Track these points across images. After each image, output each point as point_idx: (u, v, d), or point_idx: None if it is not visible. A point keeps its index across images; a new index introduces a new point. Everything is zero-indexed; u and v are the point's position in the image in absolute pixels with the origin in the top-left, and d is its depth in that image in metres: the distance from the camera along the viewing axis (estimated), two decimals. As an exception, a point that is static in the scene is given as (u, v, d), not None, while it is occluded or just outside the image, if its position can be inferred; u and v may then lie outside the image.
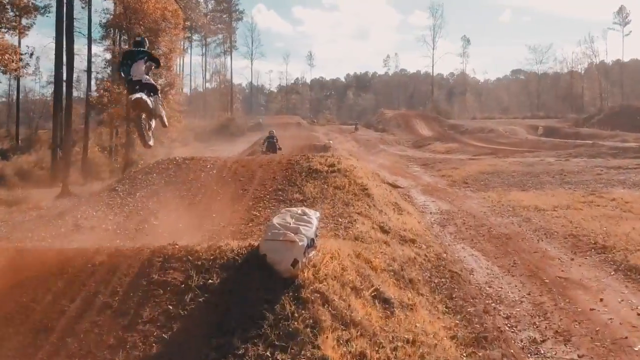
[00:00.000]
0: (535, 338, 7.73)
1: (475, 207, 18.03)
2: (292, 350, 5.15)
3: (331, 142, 37.30)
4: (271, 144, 28.08)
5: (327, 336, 5.37)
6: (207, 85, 75.70)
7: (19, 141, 47.86)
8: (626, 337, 7.54)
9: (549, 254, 11.78)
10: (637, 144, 37.82)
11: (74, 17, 36.13)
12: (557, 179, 23.53)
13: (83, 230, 11.66)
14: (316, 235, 6.87)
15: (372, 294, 6.74)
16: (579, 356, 7.20)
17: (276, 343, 5.22)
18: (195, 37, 69.61)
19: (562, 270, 10.57)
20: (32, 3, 34.60)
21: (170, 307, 5.75)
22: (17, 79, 46.29)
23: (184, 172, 14.97)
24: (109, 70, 32.02)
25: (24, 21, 37.25)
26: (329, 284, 6.24)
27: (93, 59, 36.72)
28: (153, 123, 10.07)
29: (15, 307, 5.95)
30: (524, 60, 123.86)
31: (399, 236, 11.14)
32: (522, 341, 7.67)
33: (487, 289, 9.75)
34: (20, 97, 53.73)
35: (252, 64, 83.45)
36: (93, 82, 37.59)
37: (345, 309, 5.90)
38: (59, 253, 7.05)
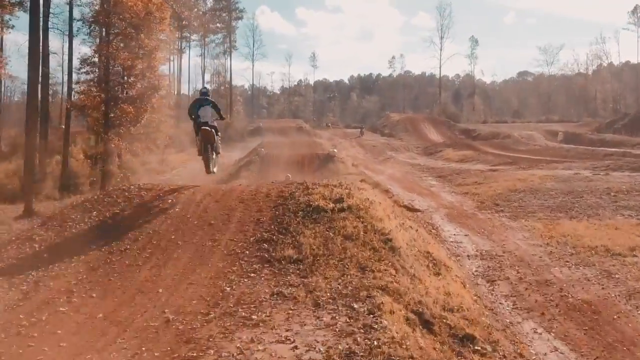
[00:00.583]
0: None
1: (524, 246, 13.74)
2: None
3: (335, 150, 33.05)
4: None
5: None
6: (207, 87, 71.33)
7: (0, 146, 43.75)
8: None
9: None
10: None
11: (52, 12, 32.16)
12: (608, 202, 19.20)
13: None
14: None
15: None
16: None
17: None
18: (194, 37, 65.52)
19: None
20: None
21: None
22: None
23: (135, 210, 10.69)
24: (95, 71, 27.59)
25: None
26: None
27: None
28: (214, 156, 12.65)
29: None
30: (533, 61, 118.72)
31: (449, 331, 6.87)
32: None
33: None
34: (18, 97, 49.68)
35: (253, 65, 79.05)
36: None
37: None
38: None
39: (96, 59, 26.31)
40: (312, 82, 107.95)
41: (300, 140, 38.84)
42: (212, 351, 5.57)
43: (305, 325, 6.22)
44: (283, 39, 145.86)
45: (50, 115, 38.67)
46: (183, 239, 9.23)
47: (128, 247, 9.04)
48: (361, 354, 5.46)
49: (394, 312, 6.69)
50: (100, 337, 6.10)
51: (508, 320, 8.81)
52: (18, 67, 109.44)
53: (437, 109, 74.11)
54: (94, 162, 35.80)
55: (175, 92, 62.28)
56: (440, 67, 79.99)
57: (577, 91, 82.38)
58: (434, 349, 6.16)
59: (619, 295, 9.68)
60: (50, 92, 44.23)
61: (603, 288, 10.15)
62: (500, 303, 9.70)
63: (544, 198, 20.73)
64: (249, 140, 54.59)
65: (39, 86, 32.46)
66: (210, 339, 5.89)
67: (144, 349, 5.77)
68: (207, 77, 72.03)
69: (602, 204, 18.86)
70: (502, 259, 12.55)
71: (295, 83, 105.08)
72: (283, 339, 5.83)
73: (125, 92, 26.30)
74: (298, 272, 7.92)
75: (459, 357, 6.25)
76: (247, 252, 8.65)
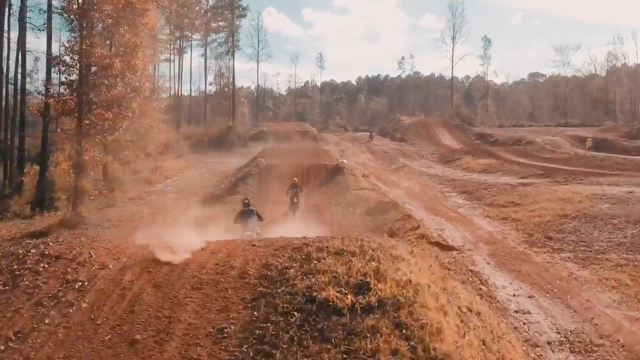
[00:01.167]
0: None
1: (622, 320, 9.32)
2: None
3: (345, 161, 28.58)
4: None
5: None
6: (210, 88, 67.16)
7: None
8: None
9: None
10: None
11: (29, 8, 28.10)
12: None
13: None
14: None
15: None
16: None
17: None
18: (196, 36, 61.25)
19: None
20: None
21: None
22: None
23: (13, 296, 6.32)
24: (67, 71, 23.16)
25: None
26: None
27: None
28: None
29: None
30: (549, 62, 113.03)
31: None
32: None
33: None
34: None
35: (258, 66, 74.62)
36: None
37: None
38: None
39: (68, 58, 22.00)
40: (319, 84, 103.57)
41: (306, 148, 34.51)
42: None
43: None
44: (290, 40, 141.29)
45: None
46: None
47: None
48: None
49: None
50: None
51: None
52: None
53: (449, 111, 69.38)
54: (78, 172, 31.64)
55: (174, 93, 58.11)
56: (452, 68, 75.27)
57: (594, 93, 77.38)
58: None
59: None
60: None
61: None
62: None
63: (607, 229, 16.26)
64: (252, 145, 50.25)
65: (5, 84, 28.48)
66: None
67: None
68: (210, 78, 67.73)
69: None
70: (604, 353, 8.11)
71: (302, 84, 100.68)
72: None
73: (101, 95, 21.95)
74: None
75: None
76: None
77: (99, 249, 7.86)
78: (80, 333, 5.57)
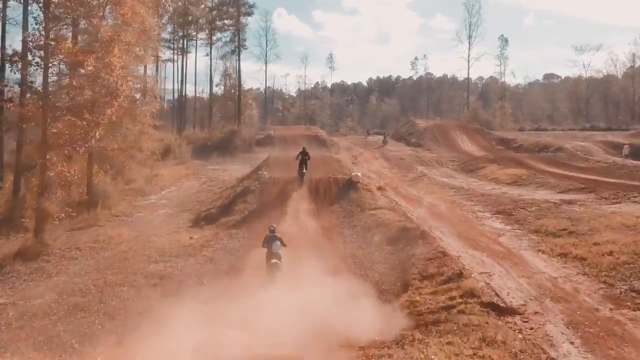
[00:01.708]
0: None
1: None
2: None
3: (359, 174, 24.26)
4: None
5: None
6: (216, 89, 63.15)
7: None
8: None
9: None
10: None
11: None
12: None
13: None
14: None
15: None
16: None
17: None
18: (201, 35, 57.21)
19: None
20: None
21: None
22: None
23: None
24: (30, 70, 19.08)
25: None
26: None
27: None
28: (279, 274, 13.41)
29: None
30: (569, 62, 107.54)
31: None
32: None
33: None
34: None
35: (266, 66, 70.50)
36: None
37: None
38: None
39: (29, 54, 17.97)
40: (329, 85, 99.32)
41: (315, 156, 30.34)
42: None
43: None
44: (300, 42, 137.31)
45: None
46: None
47: None
48: None
49: None
50: None
51: None
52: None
53: (466, 114, 64.76)
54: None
55: (177, 95, 54.20)
56: (468, 69, 70.46)
57: (616, 94, 72.43)
58: None
59: None
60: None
61: None
62: None
63: None
64: (257, 151, 46.20)
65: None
66: None
67: None
68: (217, 79, 63.74)
69: None
70: None
71: (312, 85, 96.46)
72: None
73: (70, 99, 17.91)
74: None
75: None
76: None
77: None
78: None
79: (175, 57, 54.99)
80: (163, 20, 53.74)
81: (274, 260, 13.53)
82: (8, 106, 18.63)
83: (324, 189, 23.01)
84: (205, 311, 11.43)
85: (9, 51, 20.64)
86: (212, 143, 48.15)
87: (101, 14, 18.55)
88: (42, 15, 18.06)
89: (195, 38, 56.51)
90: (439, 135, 50.07)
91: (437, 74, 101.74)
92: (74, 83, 17.68)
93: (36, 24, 19.15)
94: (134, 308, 12.95)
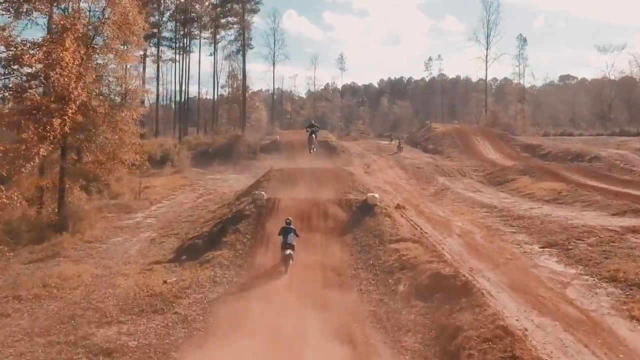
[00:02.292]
0: None
1: None
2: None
3: (376, 195, 19.58)
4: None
5: None
6: (222, 91, 58.91)
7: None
8: None
9: None
10: None
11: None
12: None
13: None
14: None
15: None
16: None
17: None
18: (205, 34, 52.92)
19: None
20: None
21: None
22: None
23: None
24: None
25: None
26: None
27: None
28: (291, 262, 14.97)
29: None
30: (591, 63, 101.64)
31: None
32: None
33: None
34: None
35: (274, 67, 66.05)
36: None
37: None
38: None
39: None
40: (339, 86, 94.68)
41: (323, 170, 25.93)
42: None
43: None
44: (310, 43, 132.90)
45: None
46: None
47: None
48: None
49: None
50: None
51: None
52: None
53: (485, 117, 59.87)
54: (34, 200, 23.51)
55: (179, 97, 49.92)
56: (486, 69, 65.41)
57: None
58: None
59: None
60: None
61: None
62: None
63: None
64: (262, 158, 41.77)
65: None
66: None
67: None
68: (222, 80, 59.37)
69: None
70: None
71: (322, 87, 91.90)
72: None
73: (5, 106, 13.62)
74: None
75: None
76: None
77: None
78: None
79: (177, 57, 50.73)
80: (164, 18, 49.65)
81: (288, 252, 14.97)
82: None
83: (334, 214, 18.50)
84: None
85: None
86: (214, 149, 43.87)
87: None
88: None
89: (198, 37, 52.23)
90: (458, 141, 45.33)
91: (449, 75, 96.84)
92: (10, 85, 13.31)
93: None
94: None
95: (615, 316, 11.16)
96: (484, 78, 67.31)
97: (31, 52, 13.50)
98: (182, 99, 53.05)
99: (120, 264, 17.38)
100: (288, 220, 16.01)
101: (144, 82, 35.54)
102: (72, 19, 15.27)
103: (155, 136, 51.15)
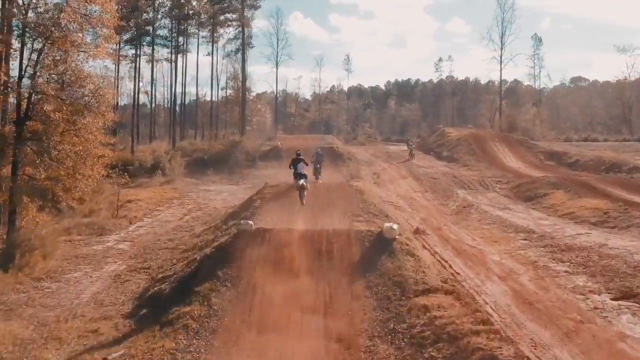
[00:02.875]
0: None
1: None
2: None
3: (395, 227, 15.06)
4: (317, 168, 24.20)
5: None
6: (222, 93, 54.73)
7: None
8: None
9: None
10: None
11: None
12: None
13: None
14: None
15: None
16: None
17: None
18: (203, 33, 48.77)
19: None
20: None
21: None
22: None
23: None
24: None
25: None
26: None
27: None
28: (304, 192, 17.31)
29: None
30: (599, 67, 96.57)
31: None
32: None
33: None
34: None
35: (277, 68, 61.76)
36: None
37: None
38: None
39: None
40: (345, 88, 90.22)
41: (327, 185, 21.66)
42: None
43: None
44: (316, 45, 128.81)
45: None
46: None
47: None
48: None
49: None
50: None
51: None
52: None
53: (500, 121, 55.27)
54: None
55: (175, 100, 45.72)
56: (500, 70, 60.65)
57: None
58: None
59: None
60: None
61: None
62: None
63: None
64: (261, 166, 37.54)
65: None
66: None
67: None
68: (223, 81, 55.16)
69: None
70: None
71: (328, 89, 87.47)
72: None
73: None
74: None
75: None
76: None
77: None
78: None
79: (173, 56, 46.51)
80: (159, 15, 45.51)
81: (301, 182, 17.37)
82: None
83: (340, 251, 14.09)
84: None
85: None
86: (209, 156, 39.70)
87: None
88: None
89: (196, 35, 48.02)
90: (475, 148, 40.82)
91: (458, 77, 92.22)
92: None
93: None
94: None
95: None
96: (498, 79, 62.41)
97: None
98: (181, 101, 48.89)
99: (62, 318, 13.09)
100: (299, 152, 19.05)
101: (118, 84, 31.34)
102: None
103: (150, 141, 47.04)
